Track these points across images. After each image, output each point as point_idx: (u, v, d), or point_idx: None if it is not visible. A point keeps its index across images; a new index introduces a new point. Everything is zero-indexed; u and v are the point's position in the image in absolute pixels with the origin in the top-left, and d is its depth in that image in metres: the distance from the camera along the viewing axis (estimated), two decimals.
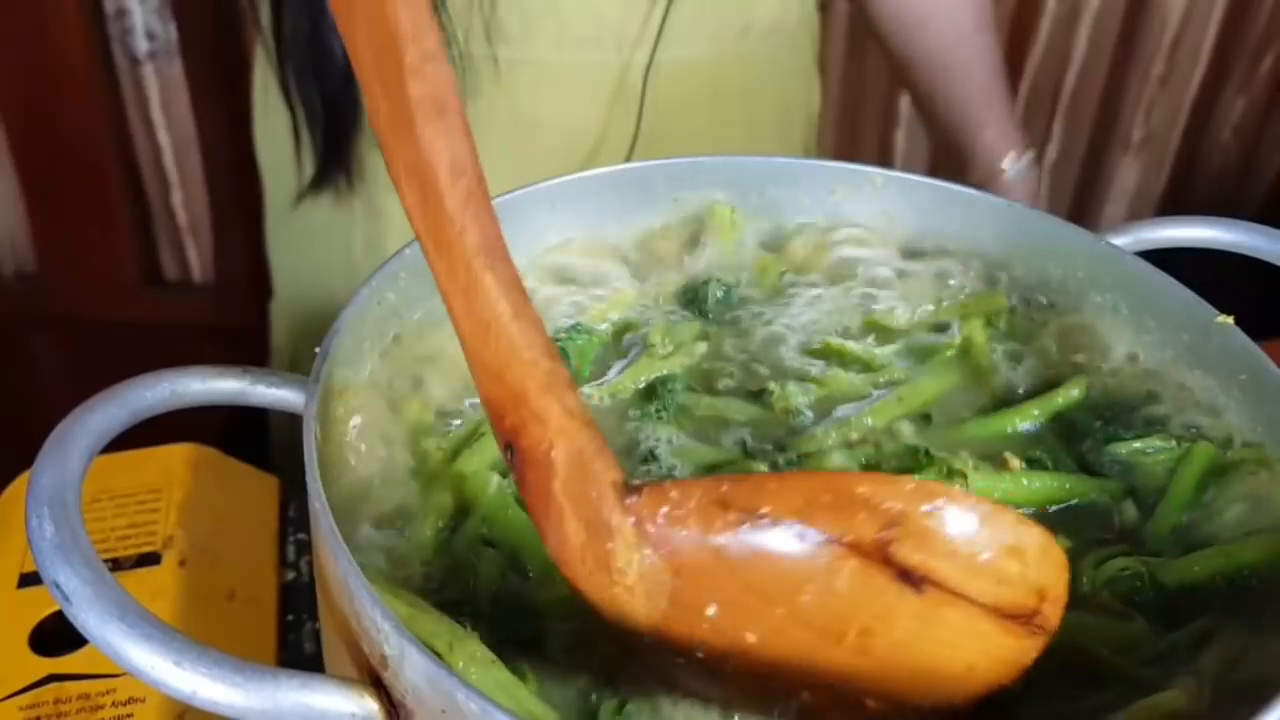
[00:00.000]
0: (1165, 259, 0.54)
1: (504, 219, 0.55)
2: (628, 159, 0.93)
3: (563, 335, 0.54)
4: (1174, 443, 0.50)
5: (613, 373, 0.53)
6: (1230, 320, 0.50)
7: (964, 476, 0.46)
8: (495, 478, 0.45)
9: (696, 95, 0.97)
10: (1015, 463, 0.47)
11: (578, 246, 0.58)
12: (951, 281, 0.59)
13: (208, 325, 2.04)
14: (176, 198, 2.04)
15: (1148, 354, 0.54)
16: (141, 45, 1.88)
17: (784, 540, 0.32)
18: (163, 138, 1.97)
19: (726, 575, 0.33)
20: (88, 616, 0.33)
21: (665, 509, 0.33)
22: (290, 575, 0.68)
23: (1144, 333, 0.54)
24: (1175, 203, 2.45)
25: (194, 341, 1.95)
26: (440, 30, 0.38)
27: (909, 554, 0.32)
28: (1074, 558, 0.44)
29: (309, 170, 0.98)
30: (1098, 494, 0.48)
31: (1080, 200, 2.38)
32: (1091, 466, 0.50)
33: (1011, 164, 0.94)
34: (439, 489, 0.46)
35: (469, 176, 0.36)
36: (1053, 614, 0.36)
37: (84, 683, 0.57)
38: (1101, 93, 2.18)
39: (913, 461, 0.48)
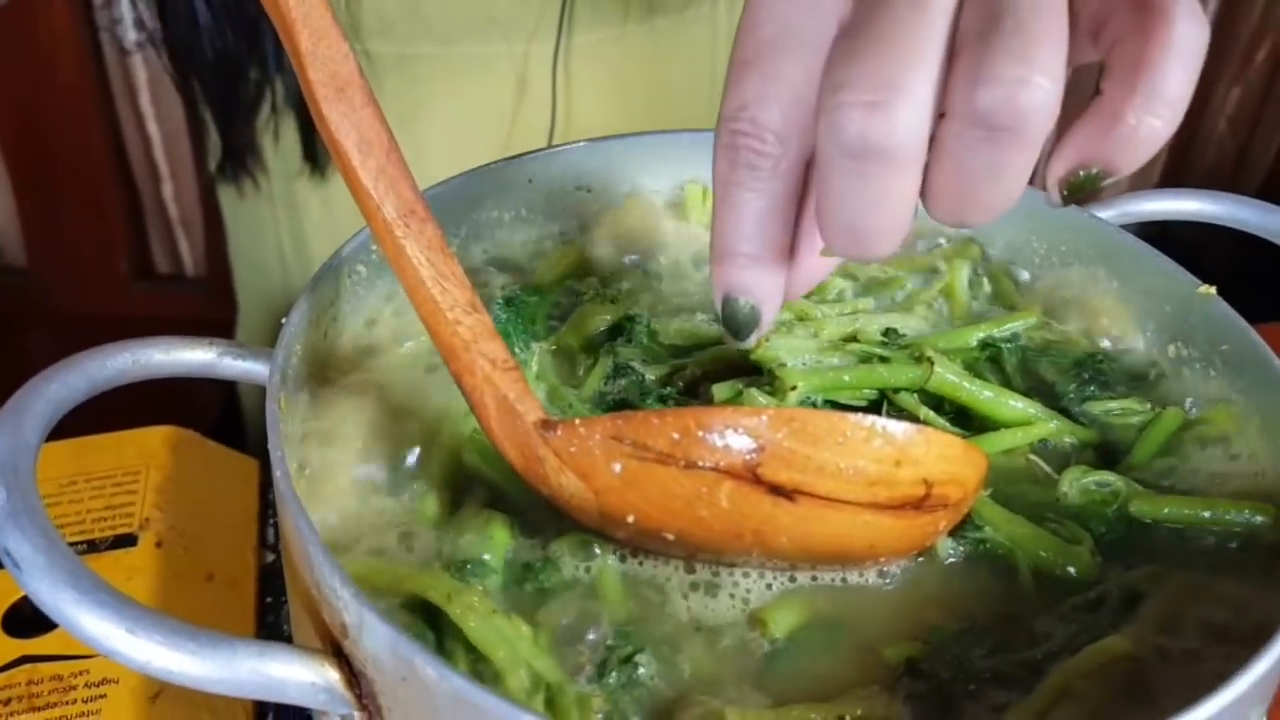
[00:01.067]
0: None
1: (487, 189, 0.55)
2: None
3: (518, 295, 0.54)
4: (1148, 406, 0.50)
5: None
6: (1213, 290, 0.49)
7: (930, 362, 0.48)
8: (472, 428, 0.45)
9: (609, 79, 0.94)
10: None
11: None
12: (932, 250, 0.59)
13: (200, 318, 2.03)
14: (167, 190, 2.04)
15: (1129, 324, 0.53)
16: (130, 35, 1.87)
17: (671, 466, 0.37)
18: (152, 129, 1.96)
19: (633, 494, 0.38)
20: (39, 584, 0.32)
21: (575, 443, 0.38)
22: (270, 557, 0.67)
23: (1126, 304, 0.53)
24: None
25: (187, 334, 1.96)
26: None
27: (775, 473, 0.36)
28: (1059, 465, 0.46)
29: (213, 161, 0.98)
30: (1071, 435, 0.48)
31: None
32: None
33: None
34: (437, 452, 0.46)
35: (378, 152, 0.40)
36: (953, 492, 0.39)
37: (57, 664, 0.57)
38: (1095, 86, 2.18)
39: (880, 348, 0.49)
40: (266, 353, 0.44)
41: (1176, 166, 2.40)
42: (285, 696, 0.33)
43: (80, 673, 0.57)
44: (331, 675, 0.34)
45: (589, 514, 0.39)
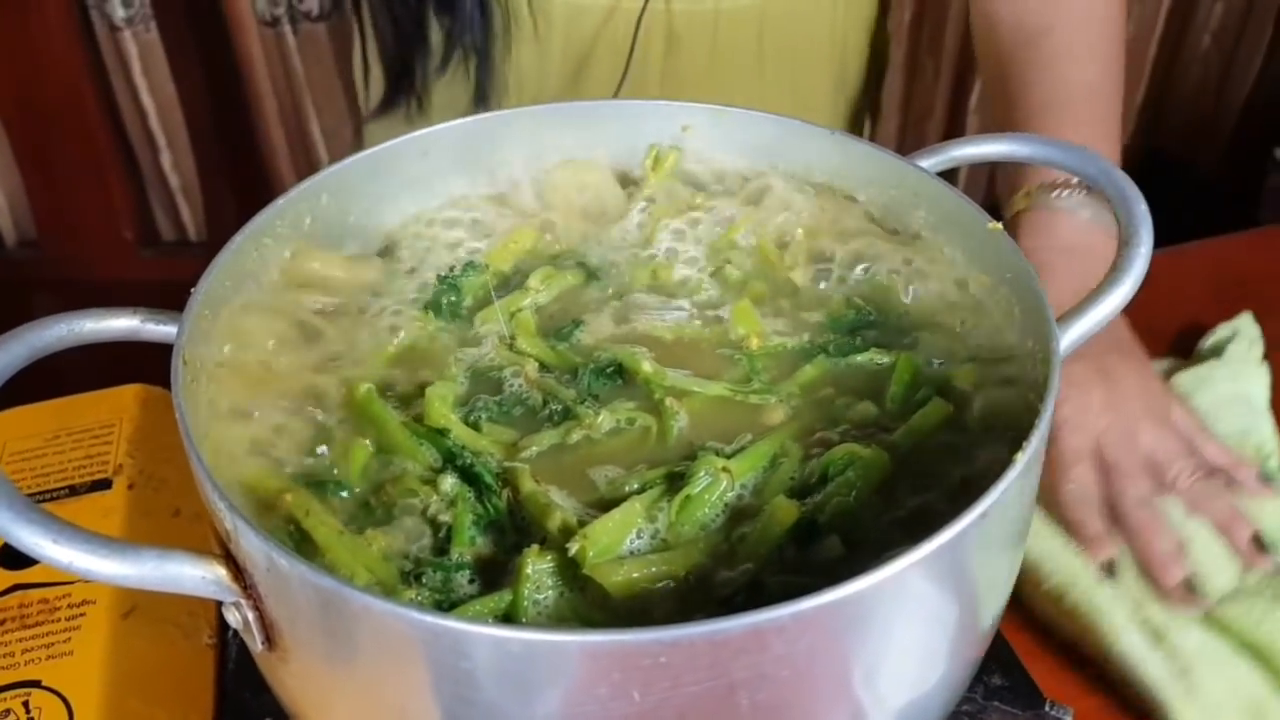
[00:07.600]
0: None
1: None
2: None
3: (456, 271, 0.62)
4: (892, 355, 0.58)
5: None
6: (999, 226, 0.57)
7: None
8: (366, 386, 0.54)
9: (694, 44, 1.03)
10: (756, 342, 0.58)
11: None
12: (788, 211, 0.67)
13: None
14: (166, 159, 2.11)
15: (951, 256, 0.61)
16: (118, 12, 1.94)
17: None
18: (146, 101, 2.03)
19: None
20: None
21: None
22: None
23: (949, 244, 0.61)
24: (1154, 111, 2.46)
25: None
26: None
27: None
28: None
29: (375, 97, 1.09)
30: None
31: None
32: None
33: (1040, 195, 0.80)
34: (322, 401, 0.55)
35: None
36: None
37: (43, 590, 0.66)
38: None
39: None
40: (178, 318, 0.52)
41: (1160, 83, 2.42)
42: (181, 588, 0.42)
43: (63, 596, 0.66)
44: (220, 571, 0.43)
45: None
